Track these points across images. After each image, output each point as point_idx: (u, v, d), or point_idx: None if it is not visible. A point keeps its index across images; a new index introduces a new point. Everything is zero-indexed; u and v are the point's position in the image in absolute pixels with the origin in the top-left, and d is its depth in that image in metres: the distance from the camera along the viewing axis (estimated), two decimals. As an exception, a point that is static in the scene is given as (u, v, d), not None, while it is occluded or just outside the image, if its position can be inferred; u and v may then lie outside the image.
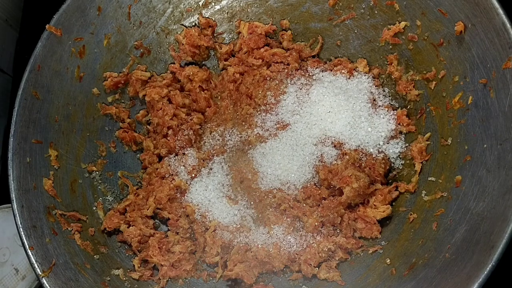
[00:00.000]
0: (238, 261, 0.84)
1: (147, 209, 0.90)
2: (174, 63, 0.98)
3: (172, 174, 0.92)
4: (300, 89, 0.92)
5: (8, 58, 1.17)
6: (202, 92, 0.96)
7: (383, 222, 0.84)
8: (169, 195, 0.90)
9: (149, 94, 0.94)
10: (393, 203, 0.85)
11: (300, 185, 0.87)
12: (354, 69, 0.92)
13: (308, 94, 0.91)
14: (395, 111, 0.89)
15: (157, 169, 0.93)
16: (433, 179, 0.81)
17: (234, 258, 0.84)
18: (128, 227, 0.88)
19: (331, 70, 0.93)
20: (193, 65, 0.98)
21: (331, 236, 0.84)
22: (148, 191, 0.92)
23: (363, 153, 0.86)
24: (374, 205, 0.84)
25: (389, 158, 0.87)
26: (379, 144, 0.87)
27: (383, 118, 0.88)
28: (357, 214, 0.84)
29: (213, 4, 0.98)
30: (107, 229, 0.87)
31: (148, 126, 0.96)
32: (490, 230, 0.67)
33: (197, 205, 0.89)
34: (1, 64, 1.15)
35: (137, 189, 0.93)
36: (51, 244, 0.79)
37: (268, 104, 0.93)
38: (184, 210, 0.90)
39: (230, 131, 0.94)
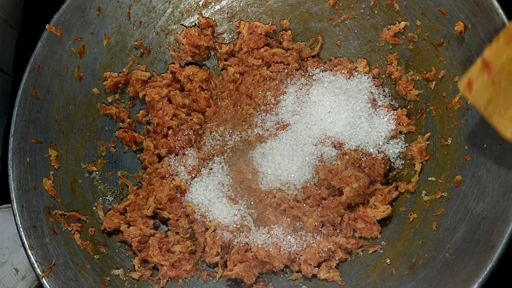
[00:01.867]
0: (238, 261, 0.84)
1: (147, 209, 0.90)
2: (174, 63, 0.98)
3: (172, 174, 0.92)
4: (300, 89, 0.92)
5: (8, 58, 1.17)
6: (202, 92, 0.96)
7: (383, 222, 0.84)
8: (169, 195, 0.90)
9: (149, 94, 0.94)
10: (393, 203, 0.85)
11: (300, 185, 0.87)
12: (354, 69, 0.92)
13: (308, 94, 0.91)
14: (395, 111, 0.89)
15: (157, 169, 0.93)
16: (433, 179, 0.81)
17: (234, 258, 0.84)
18: (128, 227, 0.87)
19: (331, 70, 0.93)
20: (193, 65, 0.98)
21: (331, 236, 0.84)
22: (148, 191, 0.91)
23: (363, 153, 0.86)
24: (374, 205, 0.84)
25: (389, 158, 0.87)
26: (379, 144, 0.87)
27: (383, 118, 0.88)
28: (357, 214, 0.84)
29: (213, 4, 0.98)
30: (107, 229, 0.87)
31: (148, 126, 0.96)
32: (490, 230, 0.67)
33: (197, 205, 0.89)
34: (1, 64, 1.14)
35: (137, 189, 0.93)
36: (51, 244, 0.79)
37: (268, 104, 0.93)
38: (184, 210, 0.90)
39: (230, 131, 0.94)
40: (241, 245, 0.86)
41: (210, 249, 0.86)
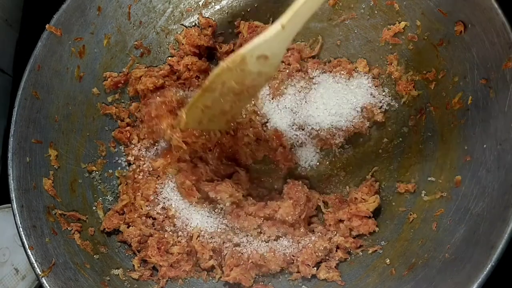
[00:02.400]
0: (234, 265, 0.83)
1: (141, 208, 0.88)
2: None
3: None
4: (299, 92, 0.92)
5: (8, 58, 1.17)
6: (196, 81, 0.95)
7: (383, 222, 0.84)
8: (156, 192, 0.89)
9: (144, 83, 0.93)
10: (393, 203, 0.85)
11: None
12: (354, 70, 0.92)
13: (306, 97, 0.91)
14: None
15: (139, 165, 0.92)
16: (433, 179, 0.81)
17: (229, 262, 0.84)
18: (127, 227, 0.87)
19: (331, 72, 0.93)
20: (193, 56, 0.97)
21: (325, 235, 0.84)
22: (134, 189, 0.90)
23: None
24: (363, 199, 0.85)
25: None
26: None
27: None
28: (350, 213, 0.84)
29: (213, 4, 0.98)
30: (106, 229, 0.87)
31: (136, 114, 0.95)
32: (490, 230, 0.67)
33: (176, 211, 0.88)
34: (1, 64, 1.14)
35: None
36: (51, 244, 0.79)
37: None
38: (166, 212, 0.89)
39: None
40: (233, 248, 0.85)
41: (202, 255, 0.85)
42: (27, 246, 0.77)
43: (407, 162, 0.87)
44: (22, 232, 0.77)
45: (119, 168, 0.94)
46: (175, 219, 0.87)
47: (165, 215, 0.88)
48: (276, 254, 0.84)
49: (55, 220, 0.82)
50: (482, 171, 0.72)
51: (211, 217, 0.87)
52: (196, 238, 0.86)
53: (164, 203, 0.88)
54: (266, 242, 0.85)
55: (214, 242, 0.85)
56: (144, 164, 0.91)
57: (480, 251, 0.66)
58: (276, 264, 0.83)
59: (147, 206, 0.88)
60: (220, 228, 0.86)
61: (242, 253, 0.84)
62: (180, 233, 0.87)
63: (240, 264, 0.83)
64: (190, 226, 0.87)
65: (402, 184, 0.85)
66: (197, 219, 0.87)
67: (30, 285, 0.96)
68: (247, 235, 0.86)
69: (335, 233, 0.85)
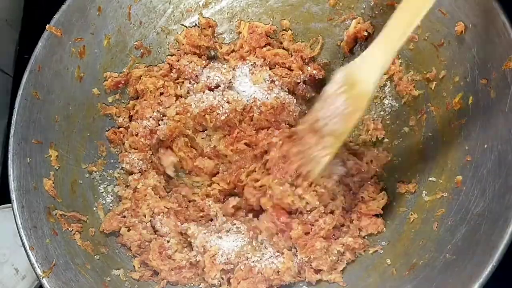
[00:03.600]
0: (242, 278, 0.80)
1: (144, 216, 0.87)
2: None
3: None
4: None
5: (8, 58, 1.17)
6: (196, 79, 0.95)
7: (384, 223, 0.84)
8: (162, 210, 0.87)
9: (144, 83, 0.92)
10: (394, 203, 0.85)
11: None
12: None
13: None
14: None
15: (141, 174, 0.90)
16: (433, 179, 0.81)
17: (237, 275, 0.81)
18: (128, 231, 0.86)
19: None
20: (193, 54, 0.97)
21: (337, 239, 0.83)
22: (137, 198, 0.88)
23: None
24: (370, 197, 0.84)
25: None
26: None
27: None
28: (360, 213, 0.84)
29: (213, 4, 0.98)
30: (105, 231, 0.87)
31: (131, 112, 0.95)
32: (491, 231, 0.67)
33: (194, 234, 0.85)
34: (1, 64, 1.14)
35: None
36: (52, 245, 0.79)
37: None
38: (182, 228, 0.86)
39: None
40: (245, 263, 0.81)
41: (208, 271, 0.82)
42: (27, 246, 0.77)
43: (408, 162, 0.87)
44: (22, 233, 0.77)
45: (118, 169, 0.94)
46: (194, 239, 0.84)
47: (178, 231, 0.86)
48: (290, 265, 0.81)
49: (55, 220, 0.82)
50: (483, 171, 0.72)
51: (233, 239, 0.84)
52: (212, 256, 0.82)
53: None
54: (279, 254, 0.83)
55: (229, 264, 0.81)
56: (149, 178, 0.89)
57: (481, 251, 0.67)
58: (290, 275, 0.80)
59: (151, 217, 0.87)
60: (241, 249, 0.82)
61: (253, 267, 0.81)
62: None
63: (249, 277, 0.80)
64: (209, 244, 0.83)
65: (403, 184, 0.85)
66: (216, 241, 0.83)
67: (30, 285, 0.97)
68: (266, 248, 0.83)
69: (343, 235, 0.84)
